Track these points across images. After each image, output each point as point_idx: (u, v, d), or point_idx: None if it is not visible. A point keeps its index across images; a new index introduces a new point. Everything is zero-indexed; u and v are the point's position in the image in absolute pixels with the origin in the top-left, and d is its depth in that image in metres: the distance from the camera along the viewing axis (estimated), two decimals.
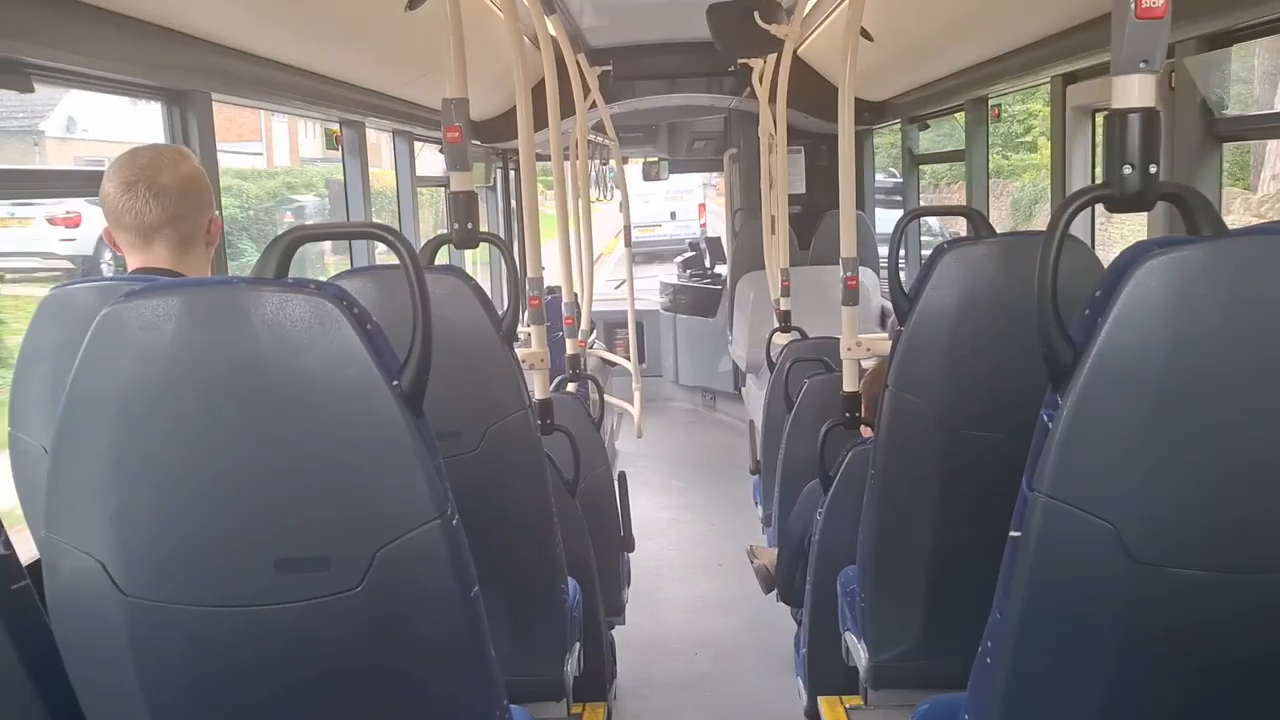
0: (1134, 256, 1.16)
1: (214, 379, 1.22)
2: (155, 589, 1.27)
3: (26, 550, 1.47)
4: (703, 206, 18.36)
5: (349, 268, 3.05)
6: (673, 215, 18.73)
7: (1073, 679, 1.28)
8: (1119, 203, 1.24)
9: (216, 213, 1.97)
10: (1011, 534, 1.28)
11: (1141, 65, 1.21)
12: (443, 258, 2.50)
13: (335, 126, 4.09)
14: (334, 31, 3.32)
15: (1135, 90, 1.22)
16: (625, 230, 6.41)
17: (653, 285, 9.22)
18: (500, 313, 2.17)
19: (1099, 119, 3.43)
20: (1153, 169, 1.23)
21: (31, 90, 2.17)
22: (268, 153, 15.98)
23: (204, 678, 1.32)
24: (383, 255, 4.21)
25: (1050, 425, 1.22)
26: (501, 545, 2.16)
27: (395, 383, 1.25)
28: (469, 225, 2.27)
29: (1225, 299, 1.15)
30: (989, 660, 1.35)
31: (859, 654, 2.33)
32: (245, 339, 1.22)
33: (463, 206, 2.27)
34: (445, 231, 2.36)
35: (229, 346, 1.22)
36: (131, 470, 1.23)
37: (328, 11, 3.12)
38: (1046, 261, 1.23)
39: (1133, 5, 1.18)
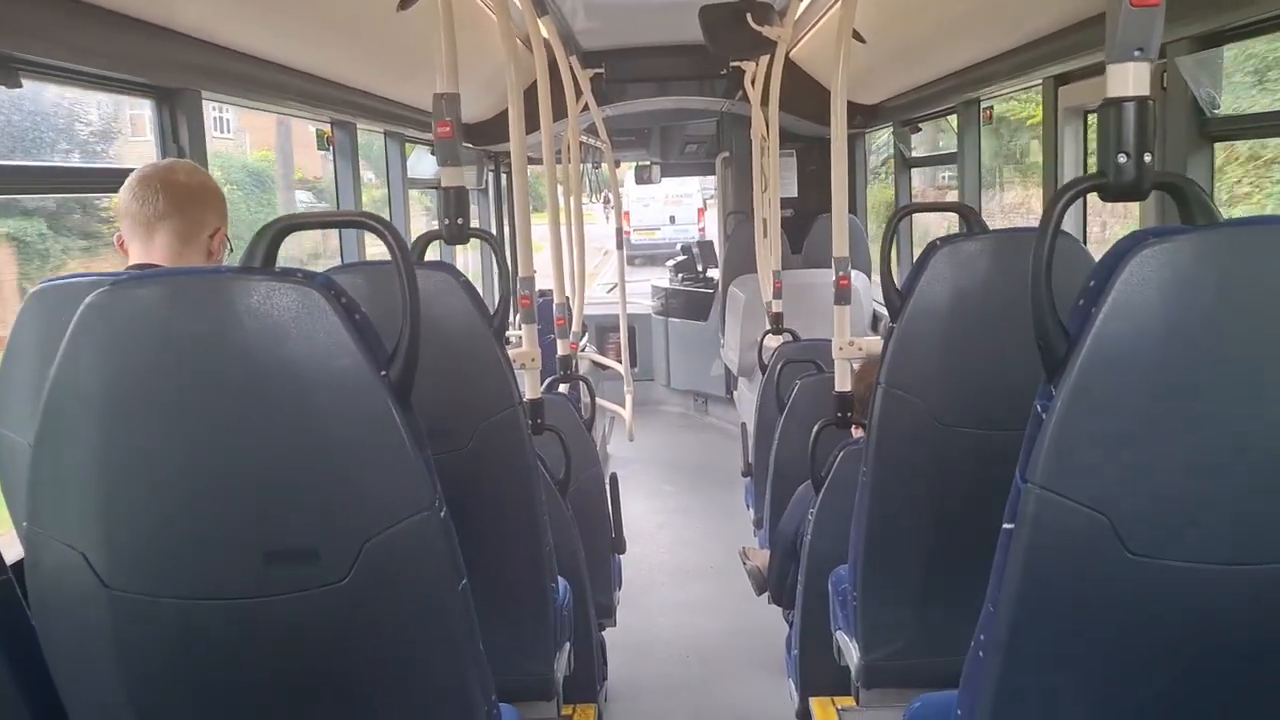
0: (1128, 246, 1.16)
1: (200, 369, 1.21)
2: (140, 582, 1.25)
3: (13, 552, 1.46)
4: (702, 211, 18.48)
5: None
6: (672, 219, 18.89)
7: (1066, 672, 1.27)
8: (1114, 192, 1.23)
9: (223, 227, 1.99)
10: (1005, 526, 1.27)
11: (1136, 54, 1.20)
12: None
13: (326, 127, 4.07)
14: (325, 31, 3.30)
15: (1130, 79, 1.22)
16: (617, 233, 6.40)
17: (646, 289, 9.22)
18: (491, 310, 2.16)
19: (1091, 120, 3.45)
20: (1147, 158, 1.22)
21: (19, 85, 2.16)
22: None
23: (190, 672, 1.30)
24: (374, 254, 4.19)
25: (1044, 416, 1.21)
26: (490, 543, 2.15)
27: (384, 373, 1.24)
28: (459, 221, 2.25)
29: (1219, 287, 1.14)
30: (981, 654, 1.34)
31: (851, 653, 2.32)
32: (231, 329, 1.20)
33: (453, 202, 2.25)
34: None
35: (215, 336, 1.21)
36: (115, 461, 1.22)
37: (319, 11, 3.11)
38: (1041, 250, 1.22)
39: None
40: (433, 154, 2.28)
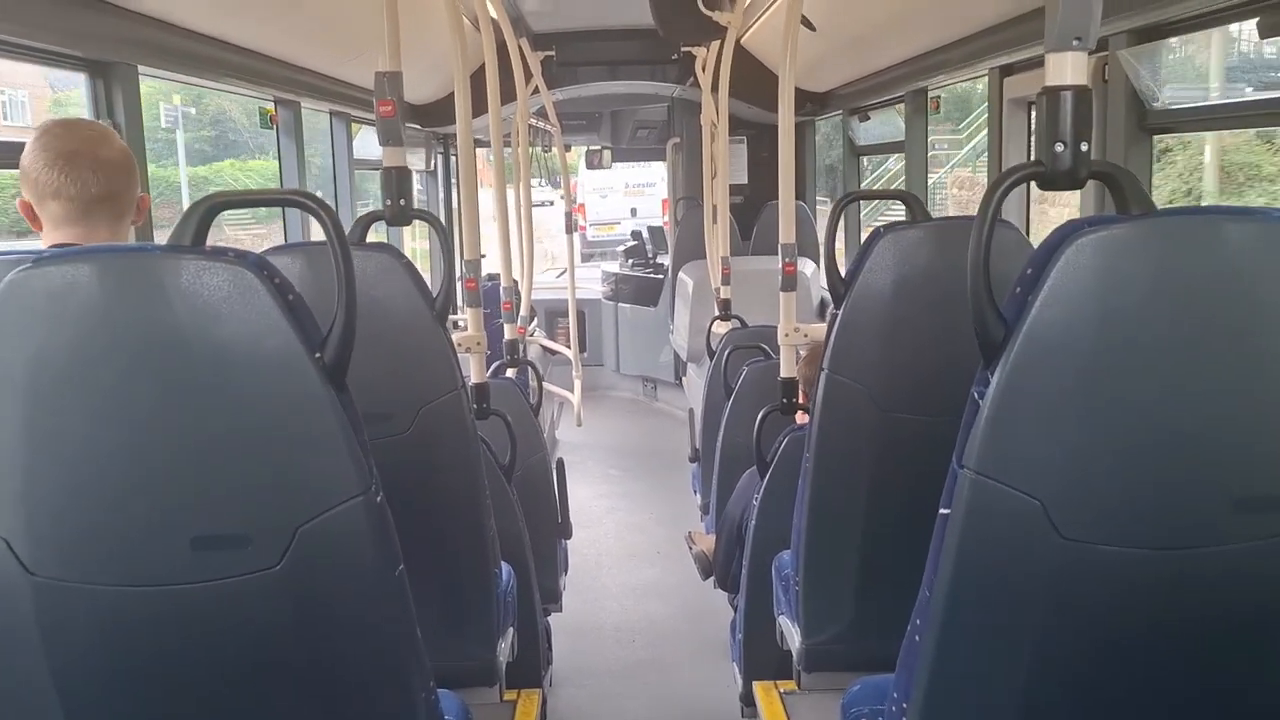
0: (1065, 234, 1.17)
1: (127, 349, 1.18)
2: (65, 568, 1.22)
3: None
4: (666, 203, 17.41)
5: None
6: (633, 212, 16.88)
7: (998, 655, 1.29)
8: (1051, 180, 1.24)
9: (144, 192, 1.93)
10: (941, 511, 1.28)
11: (1075, 43, 1.21)
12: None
13: (270, 105, 4.00)
14: (268, 6, 3.24)
15: (1069, 68, 1.22)
16: (566, 217, 6.37)
17: (597, 274, 9.19)
18: (434, 293, 2.14)
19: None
20: (1084, 147, 1.23)
21: None
22: None
23: (118, 661, 1.27)
24: (317, 234, 4.12)
25: (980, 402, 1.22)
26: (433, 528, 2.13)
27: (318, 355, 1.21)
28: (402, 202, 2.22)
29: (1151, 276, 1.16)
30: (917, 638, 1.35)
31: (792, 637, 2.34)
32: (160, 308, 1.17)
33: (395, 182, 2.22)
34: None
35: (143, 316, 1.17)
36: (39, 443, 1.18)
37: None
38: (980, 238, 1.23)
39: None
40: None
